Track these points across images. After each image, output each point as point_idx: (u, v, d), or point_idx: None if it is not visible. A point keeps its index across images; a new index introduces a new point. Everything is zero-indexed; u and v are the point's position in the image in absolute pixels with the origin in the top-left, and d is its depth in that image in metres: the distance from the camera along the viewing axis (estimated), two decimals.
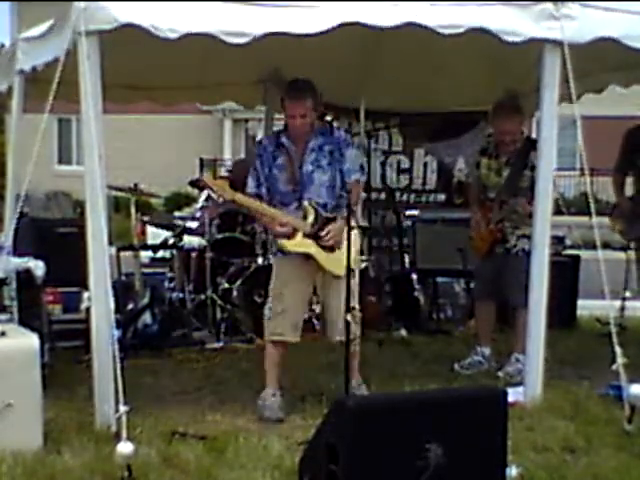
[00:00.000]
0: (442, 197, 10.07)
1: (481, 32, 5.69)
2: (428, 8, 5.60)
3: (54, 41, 5.65)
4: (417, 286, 9.13)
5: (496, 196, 7.01)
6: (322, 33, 5.46)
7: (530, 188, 6.47)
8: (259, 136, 13.19)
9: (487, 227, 7.05)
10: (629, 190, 8.38)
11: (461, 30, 5.66)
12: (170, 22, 5.27)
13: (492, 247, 7.05)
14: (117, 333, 5.48)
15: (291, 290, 5.91)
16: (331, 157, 5.91)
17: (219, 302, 8.23)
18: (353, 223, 5.57)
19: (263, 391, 5.92)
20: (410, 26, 5.54)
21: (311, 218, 5.87)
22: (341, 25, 5.47)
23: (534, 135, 7.14)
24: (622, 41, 5.85)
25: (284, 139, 5.92)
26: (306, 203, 5.88)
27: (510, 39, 5.75)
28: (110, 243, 5.44)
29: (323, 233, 5.84)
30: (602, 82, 8.32)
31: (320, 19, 5.47)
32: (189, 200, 21.35)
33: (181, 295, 8.47)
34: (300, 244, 5.85)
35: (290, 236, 5.84)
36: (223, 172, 23.11)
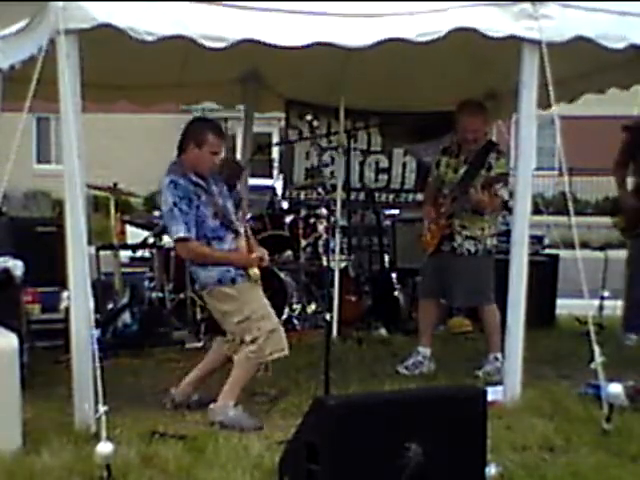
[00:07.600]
0: (421, 197, 10.05)
1: (461, 30, 5.71)
2: (405, 18, 5.64)
3: (32, 39, 5.61)
4: (397, 285, 9.17)
5: (449, 192, 7.04)
6: (296, 48, 5.51)
7: (483, 186, 6.63)
8: (239, 135, 13.11)
9: (437, 223, 7.08)
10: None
11: (441, 34, 5.69)
12: (148, 24, 5.27)
13: (440, 244, 7.08)
14: (96, 333, 5.46)
15: (269, 308, 5.81)
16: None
17: (199, 302, 8.17)
18: None
19: (223, 406, 5.69)
20: (388, 42, 5.59)
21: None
22: (316, 44, 5.51)
23: (513, 136, 7.17)
24: (598, 41, 5.88)
25: (193, 177, 5.76)
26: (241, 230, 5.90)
27: (490, 34, 5.77)
28: (89, 242, 5.41)
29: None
30: (576, 90, 8.33)
31: (296, 33, 5.52)
32: None
33: (161, 294, 8.46)
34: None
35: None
36: None
